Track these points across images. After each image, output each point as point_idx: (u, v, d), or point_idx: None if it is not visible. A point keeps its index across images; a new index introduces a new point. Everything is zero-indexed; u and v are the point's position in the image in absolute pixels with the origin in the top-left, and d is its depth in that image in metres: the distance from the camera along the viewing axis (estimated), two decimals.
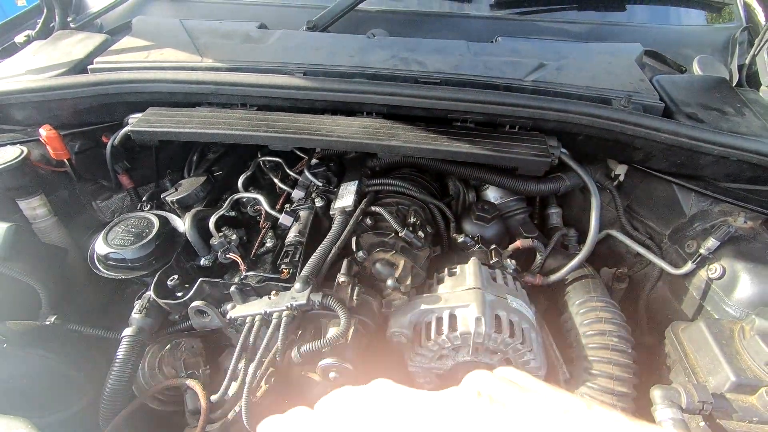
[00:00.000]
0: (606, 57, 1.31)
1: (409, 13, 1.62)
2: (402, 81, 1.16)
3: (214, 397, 0.84)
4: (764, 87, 1.49)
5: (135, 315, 0.92)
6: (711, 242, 1.01)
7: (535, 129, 1.11)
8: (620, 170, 1.26)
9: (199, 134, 1.04)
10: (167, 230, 1.02)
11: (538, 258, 1.12)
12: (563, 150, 1.08)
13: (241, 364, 0.86)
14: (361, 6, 1.50)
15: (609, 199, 1.31)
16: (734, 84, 1.54)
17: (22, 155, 1.09)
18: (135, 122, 1.09)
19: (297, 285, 0.88)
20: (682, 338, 0.87)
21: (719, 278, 1.01)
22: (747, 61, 1.59)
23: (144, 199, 1.25)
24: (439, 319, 0.91)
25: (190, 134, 1.05)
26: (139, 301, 0.94)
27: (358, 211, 1.04)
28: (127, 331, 0.89)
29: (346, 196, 1.08)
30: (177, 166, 1.44)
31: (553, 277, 1.07)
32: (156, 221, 1.02)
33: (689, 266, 1.05)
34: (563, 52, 1.31)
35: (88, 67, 1.26)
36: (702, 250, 1.03)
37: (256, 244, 1.06)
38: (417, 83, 1.14)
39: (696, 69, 1.51)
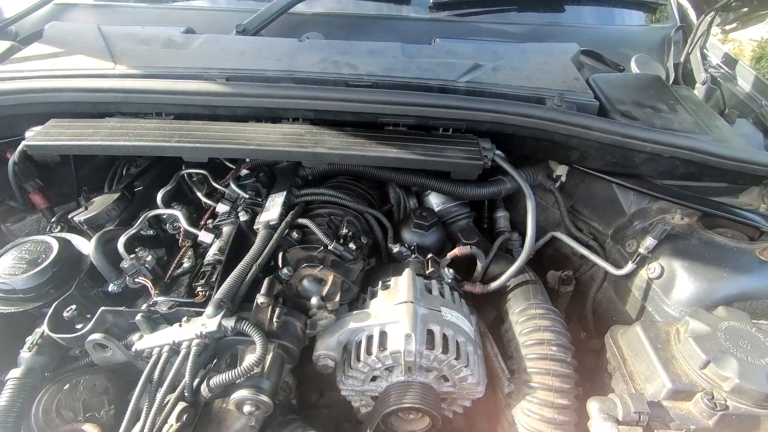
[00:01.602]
0: (542, 57, 1.29)
1: (346, 16, 1.57)
2: (332, 85, 1.10)
3: None
4: (699, 84, 1.52)
5: (24, 353, 0.81)
6: (649, 241, 0.99)
7: (470, 131, 1.07)
8: (561, 171, 1.24)
9: (104, 147, 0.95)
10: (68, 254, 0.92)
11: (479, 265, 1.07)
12: (498, 152, 1.05)
13: (146, 402, 0.76)
14: (296, 9, 1.43)
15: (552, 200, 1.28)
16: (671, 82, 1.56)
17: None
18: (32, 136, 0.98)
19: (209, 310, 0.79)
20: (621, 343, 0.84)
21: (658, 277, 0.98)
22: (682, 59, 1.62)
23: (53, 220, 1.13)
24: (369, 338, 0.84)
25: (93, 147, 0.95)
26: (30, 337, 0.83)
27: (283, 224, 0.96)
28: (14, 373, 0.78)
29: (272, 208, 1.01)
30: (99, 182, 1.33)
31: (493, 285, 1.02)
32: (55, 245, 0.91)
33: (630, 266, 1.03)
34: (500, 53, 1.28)
35: None
36: (641, 249, 1.01)
37: (174, 264, 0.97)
38: (347, 86, 1.09)
39: (633, 68, 1.53)
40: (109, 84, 1.03)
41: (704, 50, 1.63)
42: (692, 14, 1.73)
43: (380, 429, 0.85)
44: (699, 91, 1.46)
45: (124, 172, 1.31)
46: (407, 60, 1.21)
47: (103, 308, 0.83)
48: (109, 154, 0.95)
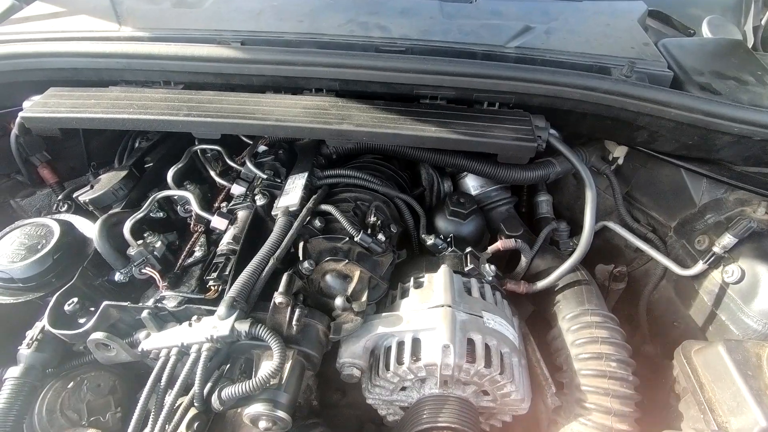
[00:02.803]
0: (604, 18, 1.11)
1: None
2: (360, 50, 0.95)
3: None
4: None
5: (23, 350, 0.74)
6: (727, 239, 0.85)
7: (519, 106, 0.92)
8: (619, 153, 1.08)
9: (105, 120, 0.84)
10: (70, 240, 0.84)
11: (523, 260, 0.95)
12: (552, 131, 0.90)
13: (155, 407, 0.69)
14: None
15: (606, 185, 1.14)
16: (750, 47, 1.35)
17: None
18: (29, 106, 0.89)
19: (221, 310, 0.70)
20: (696, 364, 0.71)
21: (737, 282, 0.84)
22: (763, 22, 1.40)
23: (59, 198, 1.06)
24: (401, 344, 0.74)
25: (93, 120, 0.85)
26: (30, 331, 0.76)
27: (304, 210, 0.85)
28: (12, 372, 0.72)
29: (293, 191, 0.90)
30: (110, 156, 1.24)
31: (540, 284, 0.90)
32: (56, 229, 0.83)
33: (700, 266, 0.89)
34: (553, 13, 1.11)
35: None
36: (716, 248, 0.86)
37: (184, 253, 0.88)
38: (377, 52, 0.94)
39: (705, 31, 1.32)
40: (112, 48, 0.92)
41: None
42: None
43: None
44: None
45: (135, 146, 1.22)
46: (446, 21, 1.05)
47: (106, 303, 0.75)
48: (110, 128, 0.85)
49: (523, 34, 1.02)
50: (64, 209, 1.04)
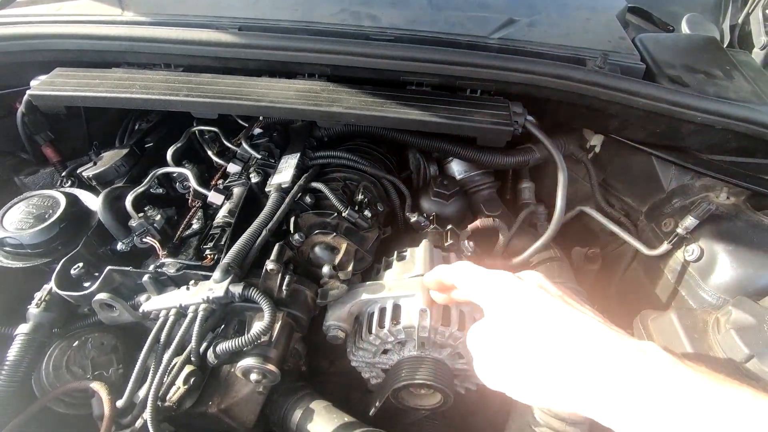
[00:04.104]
0: (584, 12, 1.17)
1: None
2: (351, 38, 1.01)
3: (119, 402, 0.73)
4: (757, 49, 1.37)
5: (32, 309, 0.80)
6: (689, 221, 0.91)
7: (500, 94, 0.98)
8: (596, 141, 1.14)
9: (110, 99, 0.90)
10: (75, 210, 0.89)
11: (501, 239, 1.01)
12: (529, 117, 0.96)
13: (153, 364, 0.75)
14: None
15: (584, 172, 1.20)
16: (726, 45, 1.42)
17: None
18: (36, 85, 0.94)
19: (216, 274, 0.76)
20: (651, 330, 0.78)
21: (696, 260, 0.91)
22: (740, 21, 1.46)
23: (63, 174, 1.11)
24: (382, 310, 0.80)
25: (99, 99, 0.90)
26: (38, 293, 0.82)
27: (296, 187, 0.91)
28: (22, 328, 0.78)
29: (285, 170, 0.96)
30: (111, 137, 1.29)
31: (516, 260, 0.96)
32: (62, 200, 0.89)
33: (665, 247, 0.95)
34: (537, 7, 1.17)
35: None
36: (679, 230, 0.93)
37: (182, 225, 0.94)
38: (367, 40, 1.00)
39: (684, 28, 1.38)
40: (115, 31, 0.97)
41: (766, 11, 1.46)
42: None
43: (390, 402, 0.83)
44: (757, 56, 1.32)
45: (135, 127, 1.27)
46: (434, 12, 1.11)
47: (109, 267, 0.81)
48: (114, 106, 0.89)
49: (506, 26, 1.08)
50: (68, 185, 1.09)
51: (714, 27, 1.43)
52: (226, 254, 0.80)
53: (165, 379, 0.72)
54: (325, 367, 1.05)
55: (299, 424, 0.83)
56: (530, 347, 0.49)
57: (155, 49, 0.97)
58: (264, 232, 0.84)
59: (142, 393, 0.75)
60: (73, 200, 0.90)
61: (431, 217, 0.98)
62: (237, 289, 0.74)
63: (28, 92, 0.94)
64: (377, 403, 0.84)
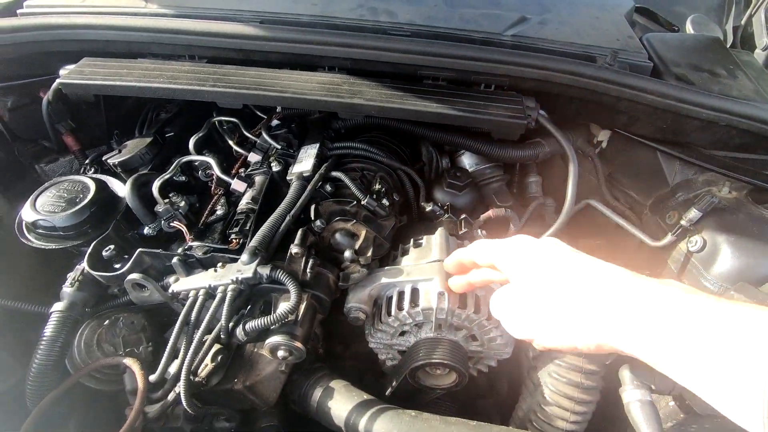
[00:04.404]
0: (593, 11, 1.20)
1: None
2: (369, 32, 1.04)
3: (153, 377, 0.77)
4: (759, 50, 1.41)
5: (66, 288, 0.83)
6: (693, 213, 0.95)
7: (513, 89, 1.02)
8: (603, 136, 1.18)
9: (138, 88, 0.93)
10: (105, 195, 0.93)
11: (512, 228, 1.05)
12: (541, 112, 1.00)
13: (184, 342, 0.79)
14: None
15: (590, 167, 1.24)
16: (728, 45, 1.46)
17: None
18: (66, 74, 0.97)
19: (244, 257, 0.80)
20: None
21: (699, 251, 0.95)
22: (743, 22, 1.50)
23: (87, 161, 1.14)
24: (401, 294, 0.84)
25: (128, 88, 0.93)
26: (72, 273, 0.85)
27: (317, 176, 0.95)
28: (57, 306, 0.81)
29: (306, 159, 0.99)
30: (128, 126, 1.32)
31: None
32: (92, 185, 0.92)
33: (668, 238, 0.99)
34: (547, 5, 1.20)
35: (18, 11, 1.11)
36: (683, 222, 0.97)
37: (207, 211, 0.97)
38: (385, 35, 1.03)
39: (689, 29, 1.42)
40: (141, 22, 1.00)
41: None
42: None
43: (406, 381, 0.87)
44: (759, 56, 1.36)
45: (153, 117, 1.30)
46: (449, 9, 1.14)
47: (140, 250, 0.84)
48: (145, 95, 0.93)
49: (519, 23, 1.11)
50: (91, 171, 1.12)
51: (717, 28, 1.47)
52: (251, 239, 0.84)
53: (196, 356, 0.76)
54: (339, 351, 1.09)
55: (320, 401, 0.87)
56: (554, 291, 0.53)
57: (180, 41, 1.00)
58: (288, 218, 0.87)
59: (171, 370, 0.79)
60: (102, 185, 0.93)
61: (445, 207, 1.02)
62: (265, 271, 0.77)
63: (57, 80, 0.98)
64: (394, 383, 0.89)
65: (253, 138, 1.12)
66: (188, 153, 1.09)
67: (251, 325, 0.75)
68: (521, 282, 0.58)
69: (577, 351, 0.53)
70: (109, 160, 1.04)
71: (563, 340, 0.53)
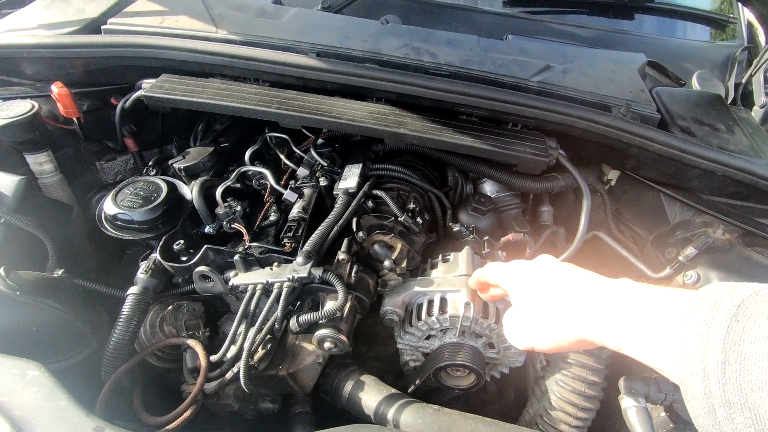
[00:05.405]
0: (610, 64, 1.35)
1: (422, 2, 1.64)
2: (413, 70, 1.19)
3: (213, 357, 0.88)
4: (757, 107, 1.55)
5: (140, 275, 0.95)
6: (690, 250, 1.08)
7: (537, 129, 1.15)
8: (612, 175, 1.31)
9: (213, 105, 1.07)
10: (174, 196, 1.05)
11: (528, 252, 1.18)
12: (561, 151, 1.13)
13: (241, 329, 0.90)
14: None
15: (599, 201, 1.36)
16: (729, 101, 1.60)
17: (34, 110, 1.10)
18: (148, 87, 1.11)
19: (299, 259, 0.92)
20: None
21: (694, 284, 1.07)
22: (744, 80, 1.65)
23: (150, 163, 1.27)
24: (431, 302, 0.96)
25: (204, 104, 1.07)
26: (145, 262, 0.97)
27: (361, 192, 1.08)
28: (133, 289, 0.93)
29: (350, 177, 1.12)
30: (180, 134, 1.46)
31: None
32: (164, 186, 1.05)
33: (667, 271, 1.12)
34: (569, 56, 1.35)
35: (102, 27, 1.26)
36: (680, 257, 1.09)
37: (260, 217, 1.10)
38: (427, 74, 1.18)
39: (695, 84, 1.57)
40: (215, 48, 1.14)
41: (767, 74, 1.65)
42: (761, 35, 1.74)
43: (429, 380, 0.98)
44: (757, 113, 1.50)
45: (207, 128, 1.44)
46: (483, 53, 1.29)
47: (207, 246, 0.96)
48: (217, 112, 1.06)
49: (544, 71, 1.26)
50: (152, 173, 1.25)
51: (720, 84, 1.62)
52: (303, 243, 0.96)
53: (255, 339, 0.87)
54: (363, 352, 1.20)
55: (351, 392, 0.98)
56: (542, 300, 0.65)
57: (249, 66, 1.14)
58: (336, 228, 1.00)
59: (228, 354, 0.90)
60: (173, 187, 1.06)
61: (471, 228, 1.15)
62: (318, 272, 0.89)
63: (140, 92, 1.12)
64: (417, 381, 1.00)
65: (300, 154, 1.26)
66: (241, 163, 1.23)
67: (304, 318, 0.87)
68: (517, 298, 0.72)
69: (565, 349, 0.64)
70: (174, 165, 1.17)
71: (552, 341, 0.63)
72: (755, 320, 0.40)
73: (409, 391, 1.01)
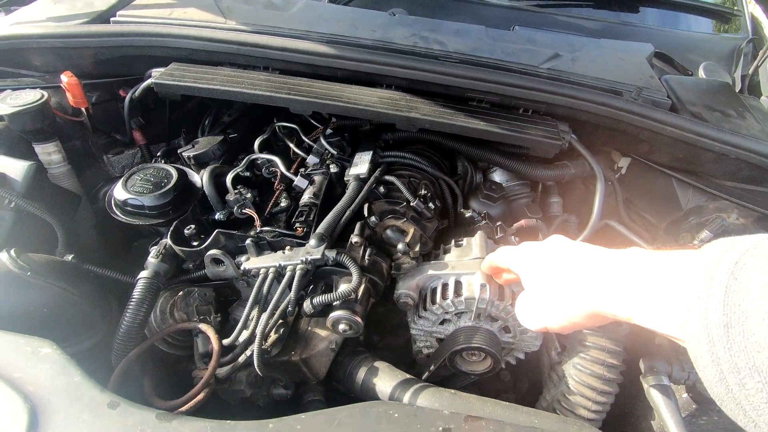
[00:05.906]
0: (618, 53, 1.35)
1: None
2: (422, 58, 1.19)
3: (226, 341, 0.87)
4: (764, 97, 1.55)
5: (151, 259, 0.94)
6: (705, 234, 1.06)
7: (548, 114, 1.15)
8: (623, 162, 1.31)
9: (223, 92, 1.06)
10: (185, 183, 1.04)
11: (540, 238, 1.16)
12: (573, 136, 1.12)
13: (254, 314, 0.89)
14: None
15: (610, 190, 1.35)
16: (737, 92, 1.60)
17: (44, 98, 1.09)
18: (159, 75, 1.11)
19: (312, 241, 0.91)
20: None
21: None
22: (750, 71, 1.65)
23: (158, 154, 1.27)
24: (445, 285, 0.95)
25: (214, 91, 1.07)
26: (156, 247, 0.96)
27: (372, 178, 1.07)
28: (143, 274, 0.92)
29: (361, 164, 1.11)
30: (188, 127, 1.46)
31: None
32: (174, 173, 1.04)
33: None
34: (577, 45, 1.35)
35: (111, 19, 1.26)
36: (695, 242, 1.08)
37: (271, 203, 1.09)
38: (437, 60, 1.17)
39: (701, 74, 1.57)
40: (225, 36, 1.15)
41: None
42: (767, 28, 1.75)
43: (444, 365, 0.96)
44: (765, 103, 1.50)
45: (215, 119, 1.43)
46: (491, 42, 1.29)
47: (218, 230, 0.95)
48: (227, 98, 1.06)
49: (553, 59, 1.26)
50: (162, 162, 1.25)
51: (727, 75, 1.62)
52: (315, 228, 0.95)
53: (268, 323, 0.86)
54: (375, 341, 1.18)
55: (365, 379, 0.96)
56: (552, 279, 0.64)
57: (258, 53, 1.14)
58: (347, 212, 0.99)
59: (240, 338, 0.89)
60: (183, 173, 1.05)
61: (483, 214, 1.14)
62: (331, 254, 0.88)
63: (150, 80, 1.11)
64: (432, 367, 0.98)
65: (309, 143, 1.25)
66: (250, 153, 1.22)
67: (318, 299, 0.86)
68: (528, 279, 0.70)
69: (579, 326, 0.61)
70: (183, 153, 1.17)
71: (565, 317, 0.60)
72: (753, 277, 0.37)
73: (423, 377, 1.00)
